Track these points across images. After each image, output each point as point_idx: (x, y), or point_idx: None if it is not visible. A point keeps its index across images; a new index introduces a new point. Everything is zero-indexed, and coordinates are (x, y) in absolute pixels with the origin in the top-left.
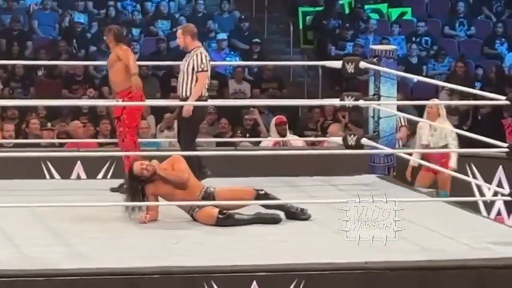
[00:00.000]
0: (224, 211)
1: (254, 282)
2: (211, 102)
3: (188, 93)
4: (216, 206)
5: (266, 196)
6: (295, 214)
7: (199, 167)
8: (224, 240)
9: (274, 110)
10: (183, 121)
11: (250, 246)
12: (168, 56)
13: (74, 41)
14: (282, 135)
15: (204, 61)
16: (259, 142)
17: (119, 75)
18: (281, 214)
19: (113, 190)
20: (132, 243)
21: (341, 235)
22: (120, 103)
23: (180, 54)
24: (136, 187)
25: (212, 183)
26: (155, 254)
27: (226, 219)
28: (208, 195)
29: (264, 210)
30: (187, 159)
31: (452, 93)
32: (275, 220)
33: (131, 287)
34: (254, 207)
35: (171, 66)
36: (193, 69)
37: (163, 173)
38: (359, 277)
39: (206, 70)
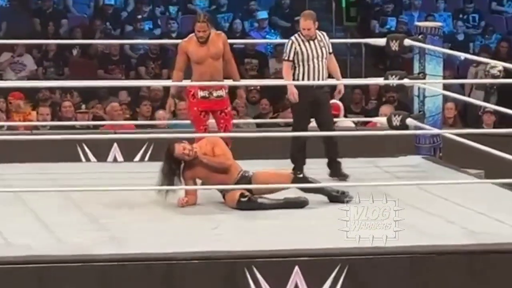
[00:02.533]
0: (246, 194)
1: (297, 267)
2: (252, 82)
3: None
4: (249, 190)
5: (304, 179)
6: (337, 198)
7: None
8: (264, 224)
9: None
10: (329, 107)
11: (292, 230)
12: None
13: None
14: None
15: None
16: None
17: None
18: (324, 198)
19: None
20: (169, 227)
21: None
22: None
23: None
24: (175, 170)
25: (255, 165)
26: (193, 239)
27: (247, 203)
28: (243, 178)
29: (302, 194)
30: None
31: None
32: (302, 204)
33: (168, 273)
34: (291, 190)
35: None
36: (326, 52)
37: (206, 160)
38: (405, 262)
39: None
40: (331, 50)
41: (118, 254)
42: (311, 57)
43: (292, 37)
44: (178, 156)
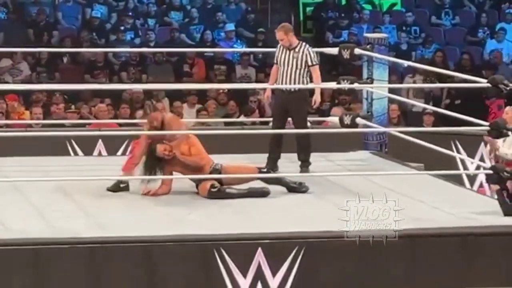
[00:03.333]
0: (216, 185)
1: (260, 249)
2: (220, 85)
3: (299, 86)
4: (219, 180)
5: (267, 173)
6: (295, 188)
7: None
8: (231, 211)
9: None
10: (298, 111)
11: (255, 216)
12: (180, 44)
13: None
14: None
15: (315, 55)
16: (264, 122)
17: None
18: (283, 189)
19: (109, 189)
20: (149, 214)
21: (336, 207)
22: None
23: (188, 44)
24: (155, 165)
25: (222, 159)
26: (169, 224)
27: (217, 192)
28: (215, 171)
29: (265, 185)
30: (305, 138)
31: (426, 79)
32: (264, 194)
33: (147, 254)
34: (255, 182)
35: (183, 53)
36: (306, 63)
37: (183, 159)
38: (353, 245)
39: (319, 64)
40: (311, 63)
41: (102, 237)
42: (285, 64)
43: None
44: (159, 155)
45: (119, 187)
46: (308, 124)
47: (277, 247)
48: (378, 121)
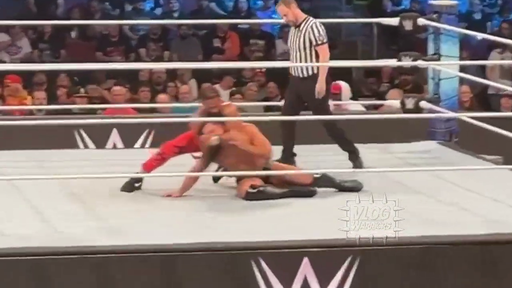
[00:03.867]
0: (257, 186)
1: (306, 259)
2: (258, 64)
3: (310, 72)
4: (266, 180)
5: (326, 181)
6: (348, 188)
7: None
8: (271, 213)
9: None
10: (313, 100)
11: (300, 220)
12: (210, 14)
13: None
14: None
15: (322, 32)
16: None
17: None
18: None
19: (123, 189)
20: (171, 217)
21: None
22: None
23: (219, 14)
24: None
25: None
26: (195, 230)
27: (255, 194)
28: (265, 170)
29: None
30: (331, 128)
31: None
32: (311, 193)
33: (168, 266)
34: None
35: (213, 26)
36: (310, 43)
37: (244, 147)
38: (417, 253)
39: (327, 42)
40: (316, 41)
41: (116, 245)
42: (292, 46)
43: None
44: (205, 138)
45: (134, 187)
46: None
47: (327, 256)
48: (446, 105)
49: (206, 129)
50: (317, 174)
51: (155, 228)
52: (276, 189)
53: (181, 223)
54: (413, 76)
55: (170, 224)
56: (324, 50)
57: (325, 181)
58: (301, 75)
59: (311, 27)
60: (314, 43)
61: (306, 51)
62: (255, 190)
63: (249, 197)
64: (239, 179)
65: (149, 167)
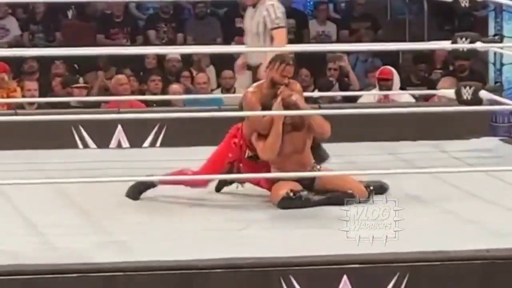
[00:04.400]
0: (296, 191)
1: (345, 277)
2: (288, 48)
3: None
4: (310, 186)
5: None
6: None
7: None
8: (302, 225)
9: (367, 57)
10: None
11: (337, 233)
12: None
13: None
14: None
15: (279, 14)
16: (351, 98)
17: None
18: None
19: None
20: (186, 229)
21: (451, 216)
22: None
23: None
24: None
25: None
26: (215, 243)
27: (292, 200)
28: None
29: None
30: None
31: None
32: (349, 197)
33: (186, 285)
34: None
35: (235, 2)
36: (265, 27)
37: (314, 119)
38: (477, 269)
39: (284, 26)
40: (271, 25)
41: (124, 262)
42: (247, 30)
43: None
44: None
45: (141, 193)
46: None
47: (369, 274)
48: (511, 95)
49: (284, 93)
50: (369, 186)
51: (169, 242)
52: (312, 195)
53: (199, 236)
54: (471, 61)
55: (186, 238)
56: (280, 34)
57: (377, 189)
58: (252, 63)
59: (267, 7)
60: (269, 25)
61: (259, 37)
62: (294, 196)
63: (285, 203)
64: (273, 183)
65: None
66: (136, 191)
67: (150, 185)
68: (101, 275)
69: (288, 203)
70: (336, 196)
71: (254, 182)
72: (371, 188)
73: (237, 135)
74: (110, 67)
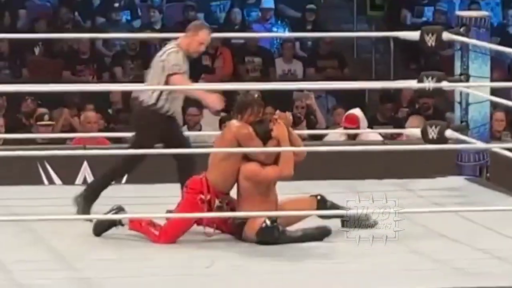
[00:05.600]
0: (274, 219)
1: None
2: (254, 85)
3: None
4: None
5: (323, 202)
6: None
7: None
8: (273, 262)
9: (333, 95)
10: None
11: (308, 271)
12: None
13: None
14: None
15: (174, 60)
16: (317, 136)
17: None
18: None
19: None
20: (154, 266)
21: (417, 256)
22: None
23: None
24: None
25: None
26: (182, 282)
27: (272, 230)
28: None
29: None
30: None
31: None
32: (325, 234)
33: None
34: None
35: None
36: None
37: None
38: None
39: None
40: (168, 71)
41: None
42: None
43: None
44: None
45: (108, 228)
46: None
47: None
48: (476, 135)
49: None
50: (317, 195)
51: (135, 279)
52: (293, 231)
53: (166, 273)
54: (437, 100)
55: (152, 275)
56: (174, 80)
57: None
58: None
59: (167, 52)
60: (167, 71)
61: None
62: (271, 224)
63: (264, 233)
64: (236, 226)
65: (142, 227)
66: (103, 228)
67: (117, 223)
68: None
69: (268, 232)
70: (311, 232)
71: (218, 226)
72: (319, 197)
73: (203, 190)
74: (75, 104)
